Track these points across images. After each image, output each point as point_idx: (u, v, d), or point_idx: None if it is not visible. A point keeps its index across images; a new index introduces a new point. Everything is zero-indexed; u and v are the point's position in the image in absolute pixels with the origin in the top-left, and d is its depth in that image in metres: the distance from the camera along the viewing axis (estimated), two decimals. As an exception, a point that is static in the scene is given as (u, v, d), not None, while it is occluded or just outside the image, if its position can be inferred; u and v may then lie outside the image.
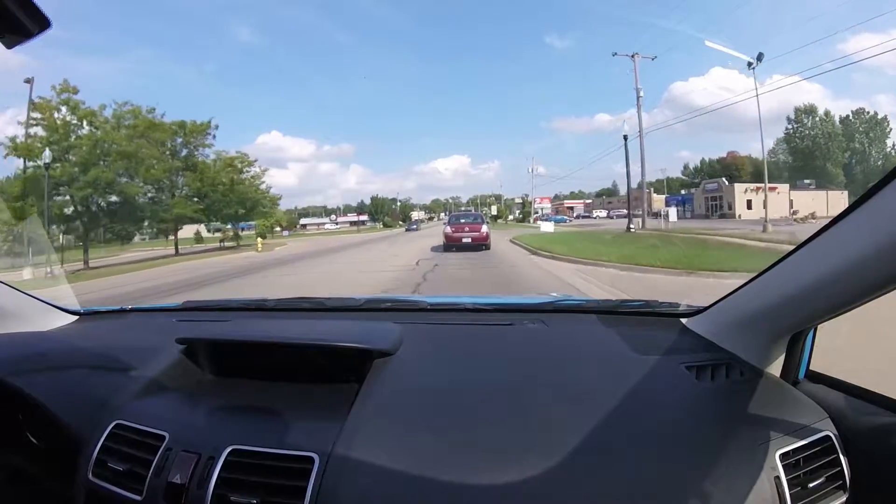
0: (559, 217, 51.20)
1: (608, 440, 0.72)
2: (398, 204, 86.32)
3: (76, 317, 1.42)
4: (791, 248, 0.73)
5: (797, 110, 48.33)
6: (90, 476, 0.83)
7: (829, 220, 0.65)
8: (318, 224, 78.88)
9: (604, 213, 59.48)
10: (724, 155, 61.79)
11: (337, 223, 74.43)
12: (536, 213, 56.62)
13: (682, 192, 55.61)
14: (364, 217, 77.83)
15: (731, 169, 55.08)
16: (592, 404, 0.78)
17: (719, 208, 39.28)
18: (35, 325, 1.26)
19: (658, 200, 52.58)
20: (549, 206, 68.20)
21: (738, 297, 0.90)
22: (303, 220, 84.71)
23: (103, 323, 1.44)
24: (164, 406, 0.93)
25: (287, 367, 0.99)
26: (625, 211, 57.70)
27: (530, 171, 55.58)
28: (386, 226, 67.18)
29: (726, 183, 40.15)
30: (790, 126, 48.95)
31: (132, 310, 1.55)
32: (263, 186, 28.10)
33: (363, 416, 0.80)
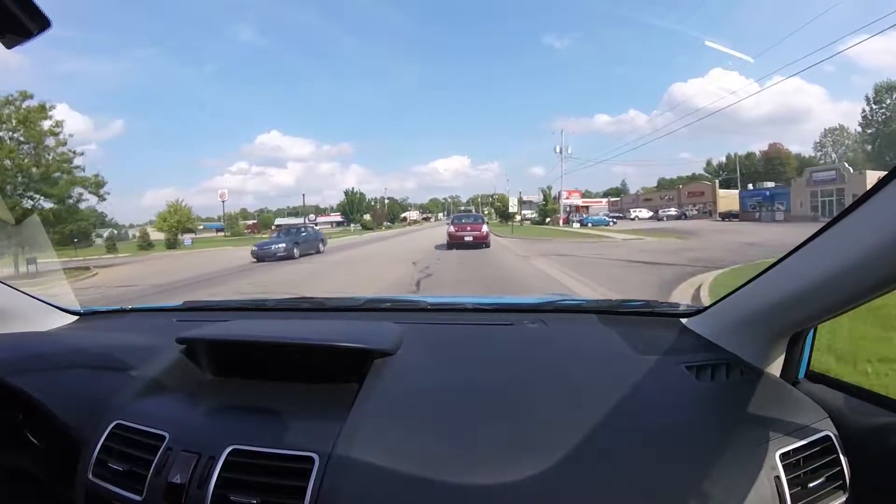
0: (597, 218, 39.38)
1: (608, 440, 0.72)
2: (385, 201, 74.83)
3: (76, 317, 1.42)
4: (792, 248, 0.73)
5: (878, 88, 40.94)
6: (90, 476, 0.83)
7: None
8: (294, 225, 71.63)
9: (645, 213, 47.32)
10: (766, 147, 54.72)
11: (316, 223, 64.76)
12: (567, 211, 43.82)
13: (750, 185, 43.21)
14: (336, 217, 66.39)
15: (775, 163, 48.79)
16: (592, 404, 0.78)
17: (839, 206, 25.67)
18: (35, 325, 1.26)
19: (727, 197, 42.02)
20: (580, 201, 53.17)
21: (738, 297, 0.90)
22: (279, 221, 74.79)
23: (103, 323, 1.44)
24: (164, 406, 0.92)
25: (287, 367, 0.99)
26: (674, 211, 44.40)
27: (558, 150, 39.73)
28: (366, 228, 54.66)
29: (850, 170, 29.21)
30: (868, 108, 41.61)
31: (132, 310, 1.55)
32: (63, 151, 15.04)
33: (363, 416, 0.80)
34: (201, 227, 63.12)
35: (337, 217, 68.53)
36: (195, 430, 0.84)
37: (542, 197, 49.71)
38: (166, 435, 0.81)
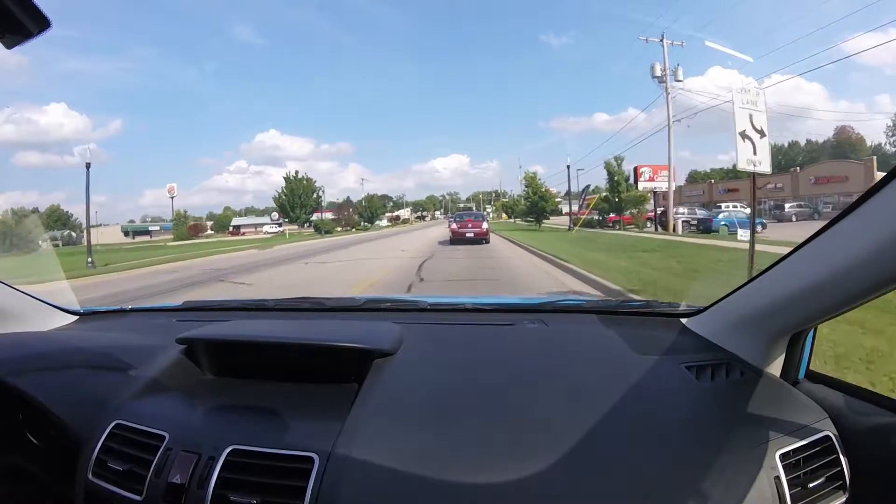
0: (734, 218, 18.48)
1: (608, 440, 0.72)
2: (363, 199, 53.57)
3: (76, 317, 1.42)
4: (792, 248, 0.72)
5: None
6: (90, 476, 0.83)
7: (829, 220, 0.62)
8: (256, 226, 54.18)
9: (738, 208, 25.23)
10: (834, 131, 45.97)
11: (280, 224, 47.85)
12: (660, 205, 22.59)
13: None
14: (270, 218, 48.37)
15: (846, 149, 40.17)
16: (592, 404, 0.78)
17: None
18: (35, 325, 1.26)
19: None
20: (666, 181, 23.90)
21: (738, 297, 0.90)
22: (237, 221, 60.79)
23: (103, 323, 1.44)
24: (164, 406, 0.92)
25: (287, 367, 0.99)
26: (796, 205, 24.37)
27: (658, 72, 20.14)
28: (319, 230, 37.65)
29: None
30: None
31: (132, 310, 1.55)
32: None
33: (363, 416, 0.80)
34: (158, 227, 54.95)
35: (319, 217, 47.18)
36: (195, 430, 0.84)
37: (603, 178, 25.53)
38: (166, 435, 0.81)
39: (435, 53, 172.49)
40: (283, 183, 41.80)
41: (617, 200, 24.66)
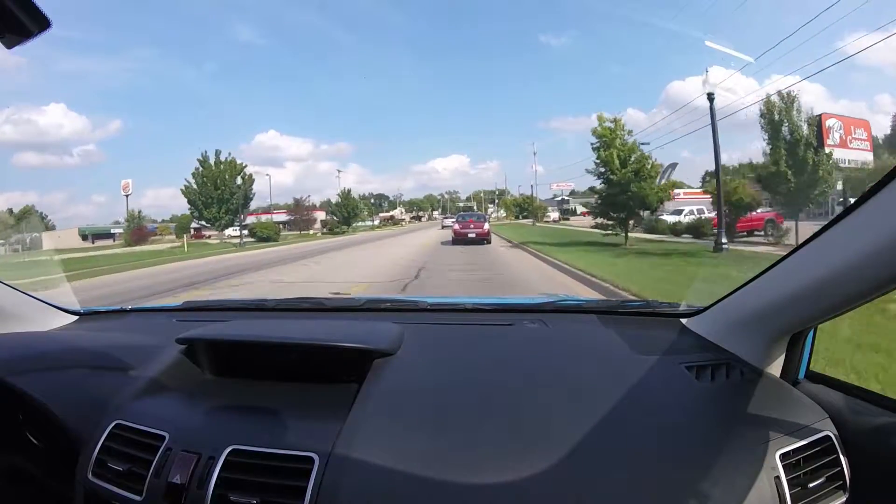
0: None
1: (608, 440, 0.72)
2: (338, 194, 40.09)
3: (76, 317, 1.42)
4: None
5: None
6: (90, 476, 0.83)
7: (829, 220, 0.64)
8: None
9: None
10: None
11: (253, 228, 32.02)
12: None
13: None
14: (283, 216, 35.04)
15: None
16: (592, 404, 0.78)
17: None
18: (35, 325, 1.26)
19: None
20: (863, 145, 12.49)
21: (738, 297, 0.90)
22: (197, 223, 45.31)
23: (103, 323, 1.44)
24: (164, 406, 0.92)
25: (287, 367, 0.99)
26: None
27: None
28: (263, 238, 26.12)
29: None
30: None
31: (132, 310, 1.55)
32: None
33: (363, 416, 0.80)
34: (120, 230, 43.63)
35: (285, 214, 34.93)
36: (195, 430, 0.84)
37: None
38: (166, 435, 0.81)
39: (434, 54, 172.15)
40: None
41: (793, 182, 11.68)
